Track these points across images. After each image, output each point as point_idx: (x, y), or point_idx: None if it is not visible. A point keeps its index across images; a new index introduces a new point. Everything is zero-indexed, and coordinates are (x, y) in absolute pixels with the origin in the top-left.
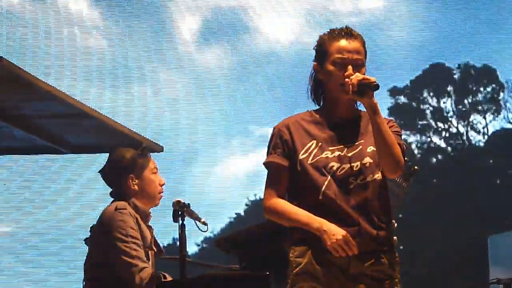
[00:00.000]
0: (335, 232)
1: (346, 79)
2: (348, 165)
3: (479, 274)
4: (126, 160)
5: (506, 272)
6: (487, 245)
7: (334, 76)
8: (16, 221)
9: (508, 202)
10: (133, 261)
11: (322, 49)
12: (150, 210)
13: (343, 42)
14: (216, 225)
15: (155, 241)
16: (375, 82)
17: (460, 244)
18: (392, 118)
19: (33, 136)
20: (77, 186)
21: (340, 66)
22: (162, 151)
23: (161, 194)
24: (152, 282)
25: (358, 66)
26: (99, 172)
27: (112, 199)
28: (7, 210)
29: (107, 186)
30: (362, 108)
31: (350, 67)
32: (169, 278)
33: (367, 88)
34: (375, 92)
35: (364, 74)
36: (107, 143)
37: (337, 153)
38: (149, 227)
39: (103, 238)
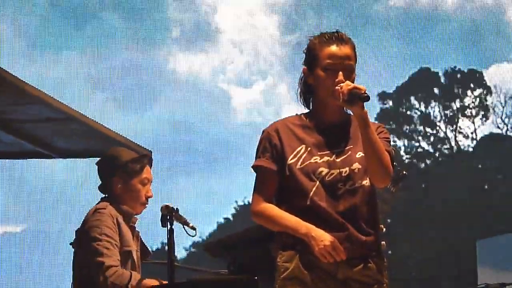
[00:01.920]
0: (323, 238)
1: (337, 87)
2: (337, 171)
3: (468, 278)
4: (118, 162)
5: (494, 276)
6: (476, 249)
7: (324, 82)
8: (11, 223)
9: (497, 207)
10: (100, 259)
11: (312, 54)
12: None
13: (333, 48)
14: (205, 229)
15: (142, 243)
16: (365, 93)
17: (448, 248)
18: (381, 124)
19: (21, 141)
20: (67, 190)
21: (331, 72)
22: (150, 156)
23: (145, 206)
24: (122, 279)
25: (349, 72)
26: (96, 164)
27: (101, 196)
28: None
29: (92, 191)
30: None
31: (340, 73)
32: (155, 282)
33: (357, 99)
34: None
35: (354, 79)
36: (95, 148)
37: (326, 158)
38: (133, 228)
39: (83, 239)
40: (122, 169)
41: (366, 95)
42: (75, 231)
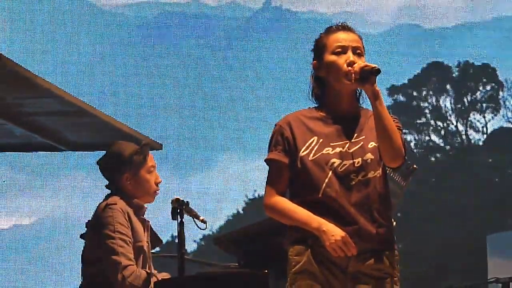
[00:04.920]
0: (334, 232)
1: (349, 67)
2: (350, 161)
3: (478, 272)
4: (123, 157)
5: (504, 270)
6: (486, 244)
7: (335, 65)
8: (18, 216)
9: (507, 201)
10: (117, 258)
11: (320, 45)
12: (144, 204)
13: (341, 34)
14: (215, 223)
15: (152, 232)
16: (377, 67)
17: (458, 243)
18: (394, 116)
19: (32, 134)
20: (76, 182)
21: (340, 54)
22: (161, 149)
23: (157, 192)
24: (140, 280)
25: (358, 54)
26: (97, 163)
27: (108, 191)
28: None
29: (100, 183)
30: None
31: (350, 52)
32: (158, 277)
33: (368, 74)
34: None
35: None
36: (106, 141)
37: (338, 149)
38: (143, 220)
39: (94, 235)
40: (128, 164)
41: (376, 68)
42: (85, 224)
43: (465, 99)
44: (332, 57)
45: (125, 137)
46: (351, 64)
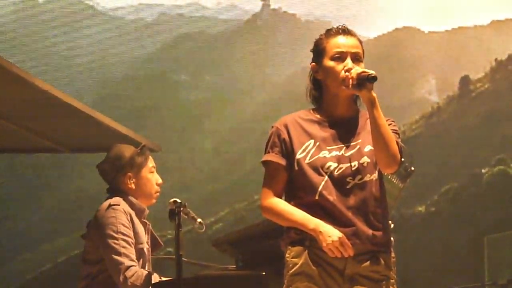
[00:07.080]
0: (331, 233)
1: (346, 73)
2: (346, 165)
3: (475, 275)
4: (125, 158)
5: (502, 273)
6: (483, 246)
7: (333, 70)
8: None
9: (505, 202)
10: (119, 259)
11: (319, 48)
12: (146, 207)
13: (340, 38)
14: (212, 225)
15: (152, 235)
16: (373, 74)
17: (456, 244)
18: (390, 118)
19: (31, 135)
20: (76, 182)
21: (339, 60)
22: (160, 150)
23: (158, 193)
24: (142, 280)
25: (357, 60)
26: (96, 167)
27: (109, 194)
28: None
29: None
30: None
31: (349, 59)
32: (157, 279)
33: (365, 81)
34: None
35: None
36: (105, 143)
37: (334, 153)
38: (144, 223)
39: (96, 234)
40: (130, 165)
41: (373, 75)
42: (86, 224)
43: None
44: (331, 63)
45: (123, 139)
46: (348, 70)
